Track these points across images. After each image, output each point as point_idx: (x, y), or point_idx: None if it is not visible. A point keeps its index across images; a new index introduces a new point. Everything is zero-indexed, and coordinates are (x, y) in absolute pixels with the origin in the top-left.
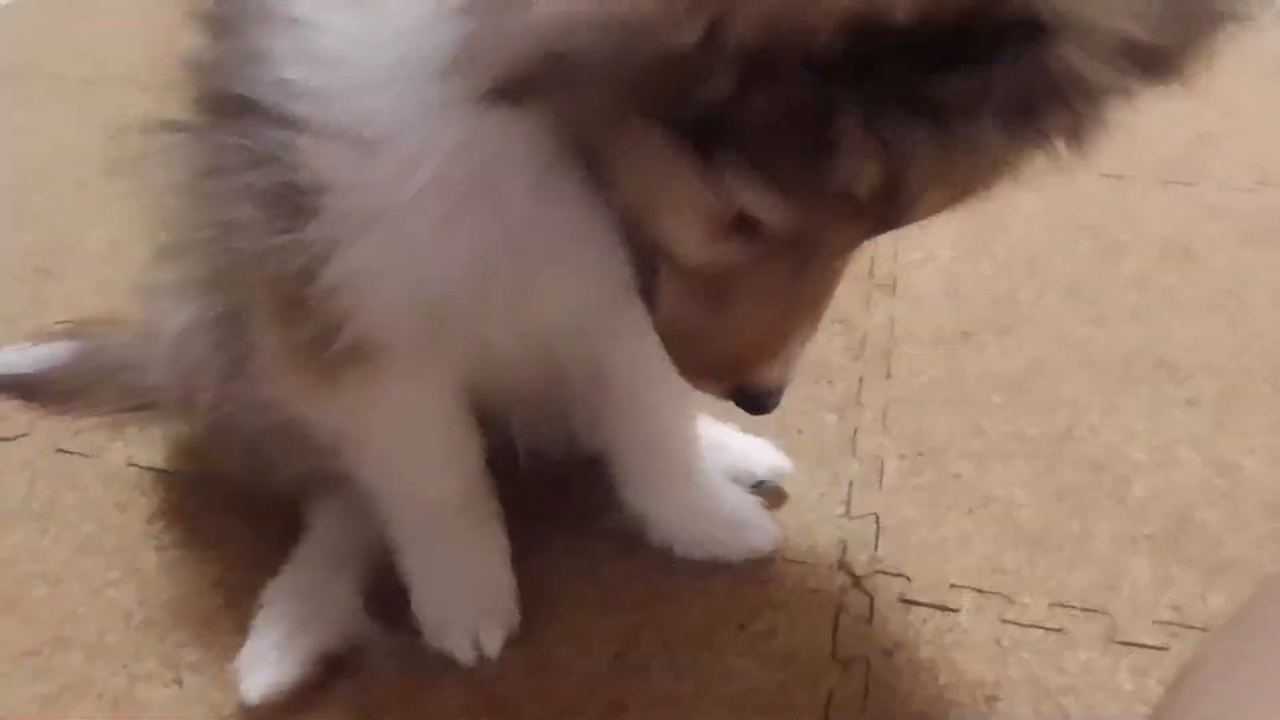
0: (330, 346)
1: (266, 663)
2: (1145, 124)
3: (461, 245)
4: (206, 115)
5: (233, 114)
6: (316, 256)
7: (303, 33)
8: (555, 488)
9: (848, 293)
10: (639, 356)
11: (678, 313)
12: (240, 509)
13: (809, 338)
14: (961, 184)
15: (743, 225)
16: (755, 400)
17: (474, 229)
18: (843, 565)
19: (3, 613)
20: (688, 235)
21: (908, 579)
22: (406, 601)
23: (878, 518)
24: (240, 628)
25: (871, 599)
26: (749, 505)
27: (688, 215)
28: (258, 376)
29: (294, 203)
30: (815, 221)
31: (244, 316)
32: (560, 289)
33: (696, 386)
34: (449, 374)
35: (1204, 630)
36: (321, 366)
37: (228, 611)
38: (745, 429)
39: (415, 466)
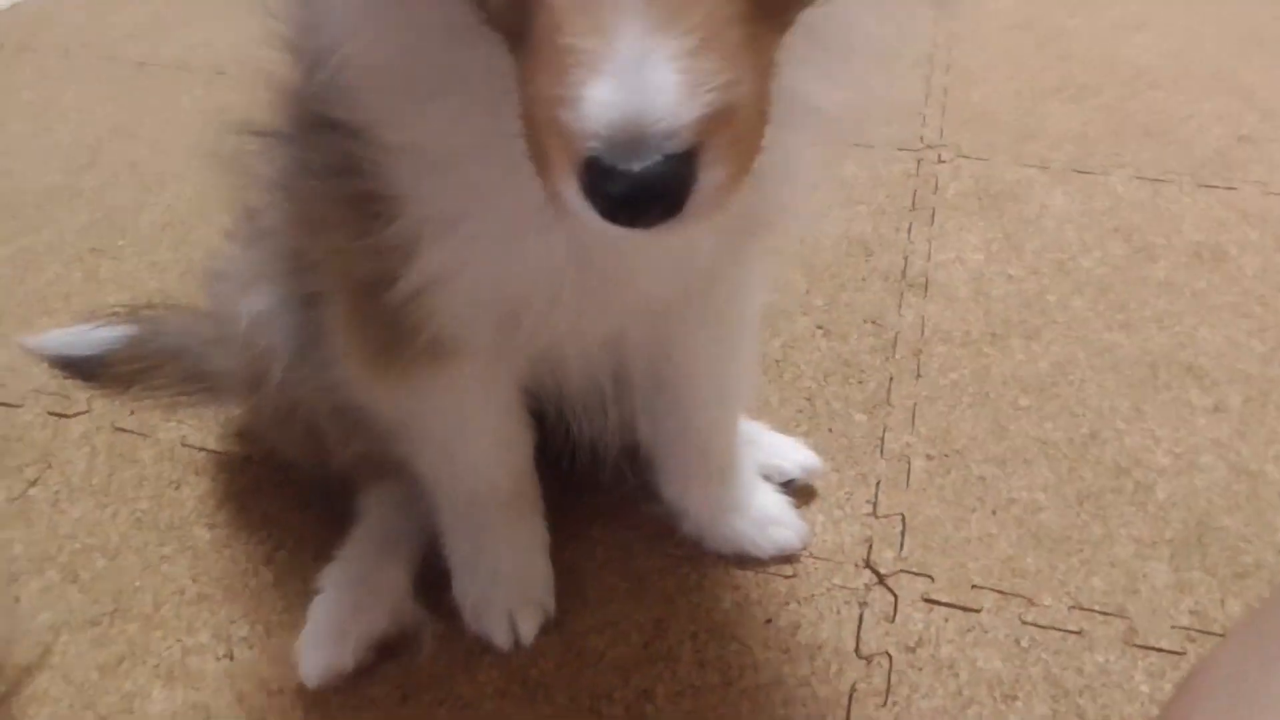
0: (405, 342)
1: (325, 647)
2: (1184, 125)
3: (535, 247)
4: (295, 126)
5: (319, 128)
6: (399, 258)
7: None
8: (591, 478)
9: (880, 292)
10: (694, 353)
11: (521, 91)
12: (286, 490)
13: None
14: None
15: None
16: (609, 163)
17: (546, 233)
18: (868, 563)
19: (66, 583)
20: None
21: (931, 578)
22: (446, 585)
23: (903, 517)
24: (288, 606)
25: (895, 597)
26: (779, 503)
27: None
28: (329, 362)
29: (377, 208)
30: None
31: (319, 305)
32: (625, 287)
33: (549, 188)
34: (514, 368)
35: (1222, 636)
36: (394, 359)
37: (276, 589)
38: (777, 427)
39: (471, 456)
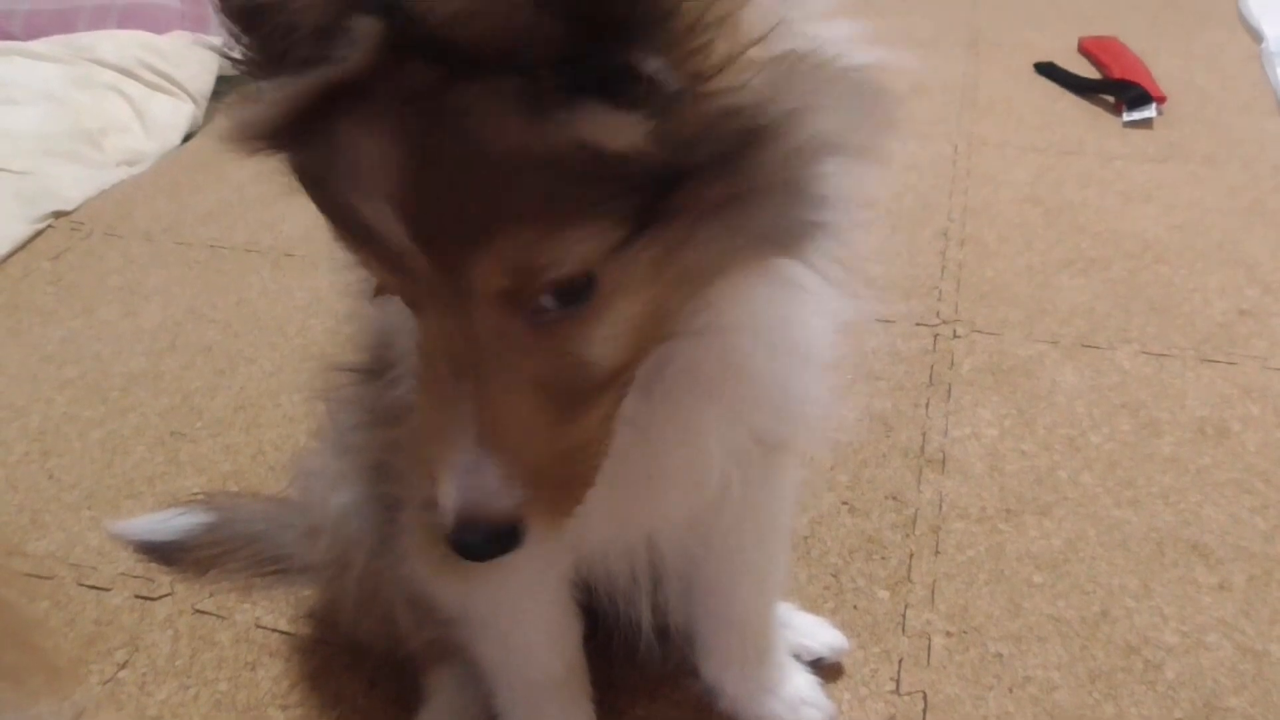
0: None
1: None
2: (1188, 299)
3: None
4: (377, 364)
5: (377, 374)
6: None
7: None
8: (632, 658)
9: (900, 468)
10: (731, 547)
11: None
12: (354, 671)
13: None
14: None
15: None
16: (454, 537)
17: None
18: None
19: None
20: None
21: None
22: None
23: (925, 695)
24: None
25: None
26: (809, 684)
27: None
28: (404, 556)
29: None
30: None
31: (396, 506)
32: (653, 505)
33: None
34: (561, 566)
35: None
36: (458, 559)
37: None
38: (805, 604)
39: (525, 644)
